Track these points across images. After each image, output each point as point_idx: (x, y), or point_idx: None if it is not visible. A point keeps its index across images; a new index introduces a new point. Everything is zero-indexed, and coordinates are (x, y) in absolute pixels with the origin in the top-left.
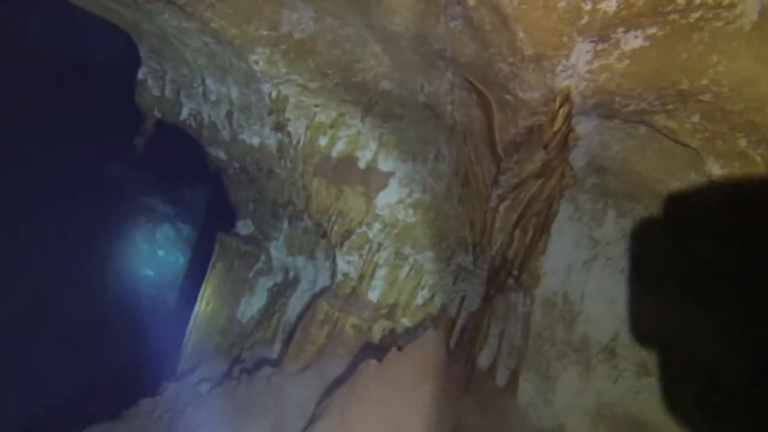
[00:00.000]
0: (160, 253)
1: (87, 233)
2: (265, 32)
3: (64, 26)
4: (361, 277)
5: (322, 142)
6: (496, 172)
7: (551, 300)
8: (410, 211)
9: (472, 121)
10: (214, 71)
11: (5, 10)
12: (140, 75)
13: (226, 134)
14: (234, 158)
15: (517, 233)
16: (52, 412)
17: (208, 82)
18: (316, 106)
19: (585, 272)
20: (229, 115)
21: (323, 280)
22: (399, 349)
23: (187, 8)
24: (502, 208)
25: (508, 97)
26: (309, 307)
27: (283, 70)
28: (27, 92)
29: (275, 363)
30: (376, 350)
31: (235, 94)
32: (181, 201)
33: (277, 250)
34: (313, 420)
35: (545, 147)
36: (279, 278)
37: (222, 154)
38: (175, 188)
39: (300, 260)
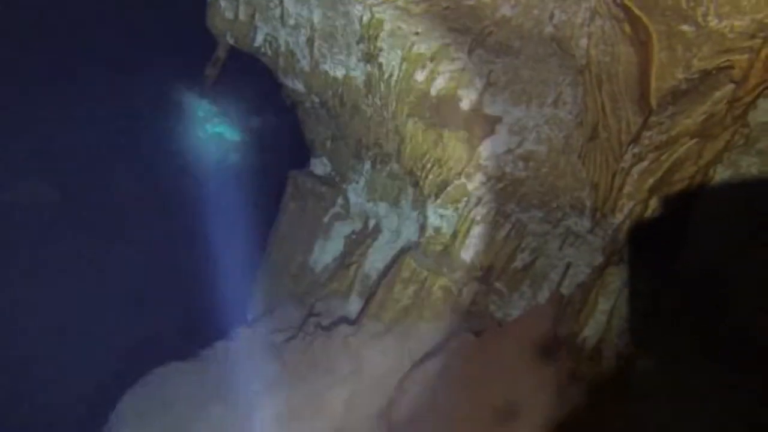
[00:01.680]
0: (228, 187)
1: (153, 161)
2: None
3: None
4: (455, 233)
5: (420, 77)
6: (639, 126)
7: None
8: (520, 163)
9: (614, 62)
10: None
11: None
12: None
13: (305, 64)
14: (313, 91)
15: (653, 201)
16: (122, 353)
17: (287, 3)
18: (416, 34)
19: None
20: (309, 42)
21: (408, 233)
22: (500, 325)
23: None
24: (636, 170)
25: (686, 27)
26: (393, 262)
27: None
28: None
29: (351, 320)
30: (467, 318)
31: (317, 17)
32: (251, 133)
33: (356, 195)
34: (398, 394)
35: (734, 101)
36: (358, 225)
37: (300, 86)
38: (246, 119)
39: (382, 207)
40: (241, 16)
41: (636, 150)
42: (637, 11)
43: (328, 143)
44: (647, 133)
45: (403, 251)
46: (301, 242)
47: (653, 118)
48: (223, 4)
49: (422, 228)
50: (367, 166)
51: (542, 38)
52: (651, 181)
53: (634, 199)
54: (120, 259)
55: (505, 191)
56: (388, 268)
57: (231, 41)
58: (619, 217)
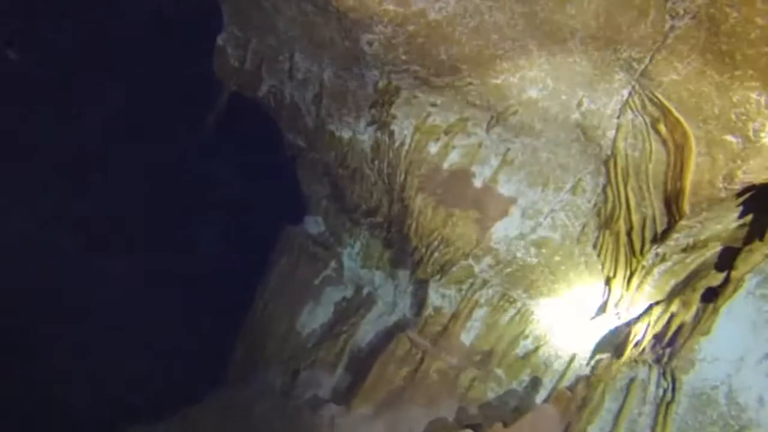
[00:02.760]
0: (215, 231)
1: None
2: (392, 7)
3: None
4: (456, 315)
5: (433, 149)
6: (667, 227)
7: (707, 395)
8: (532, 249)
9: (644, 158)
10: (308, 46)
11: None
12: (220, 41)
13: (309, 121)
14: (315, 149)
15: (675, 306)
16: (77, 413)
17: (298, 57)
18: (433, 105)
19: (764, 369)
20: (317, 99)
21: (404, 307)
22: (504, 425)
23: None
24: (658, 270)
25: (731, 138)
26: (387, 337)
27: (403, 57)
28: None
29: (339, 394)
30: (463, 404)
31: (328, 75)
32: (246, 180)
33: (350, 259)
34: None
35: None
36: (350, 292)
37: (301, 142)
38: (243, 166)
39: (378, 276)
40: (248, 65)
41: (660, 250)
42: (675, 113)
43: (324, 203)
44: (675, 235)
45: (398, 327)
46: (289, 303)
47: (683, 222)
48: (230, 50)
49: (420, 304)
50: (365, 231)
51: (567, 123)
52: (673, 282)
53: (653, 300)
54: (92, 303)
55: (514, 276)
56: (380, 344)
57: (234, 88)
58: (633, 314)
